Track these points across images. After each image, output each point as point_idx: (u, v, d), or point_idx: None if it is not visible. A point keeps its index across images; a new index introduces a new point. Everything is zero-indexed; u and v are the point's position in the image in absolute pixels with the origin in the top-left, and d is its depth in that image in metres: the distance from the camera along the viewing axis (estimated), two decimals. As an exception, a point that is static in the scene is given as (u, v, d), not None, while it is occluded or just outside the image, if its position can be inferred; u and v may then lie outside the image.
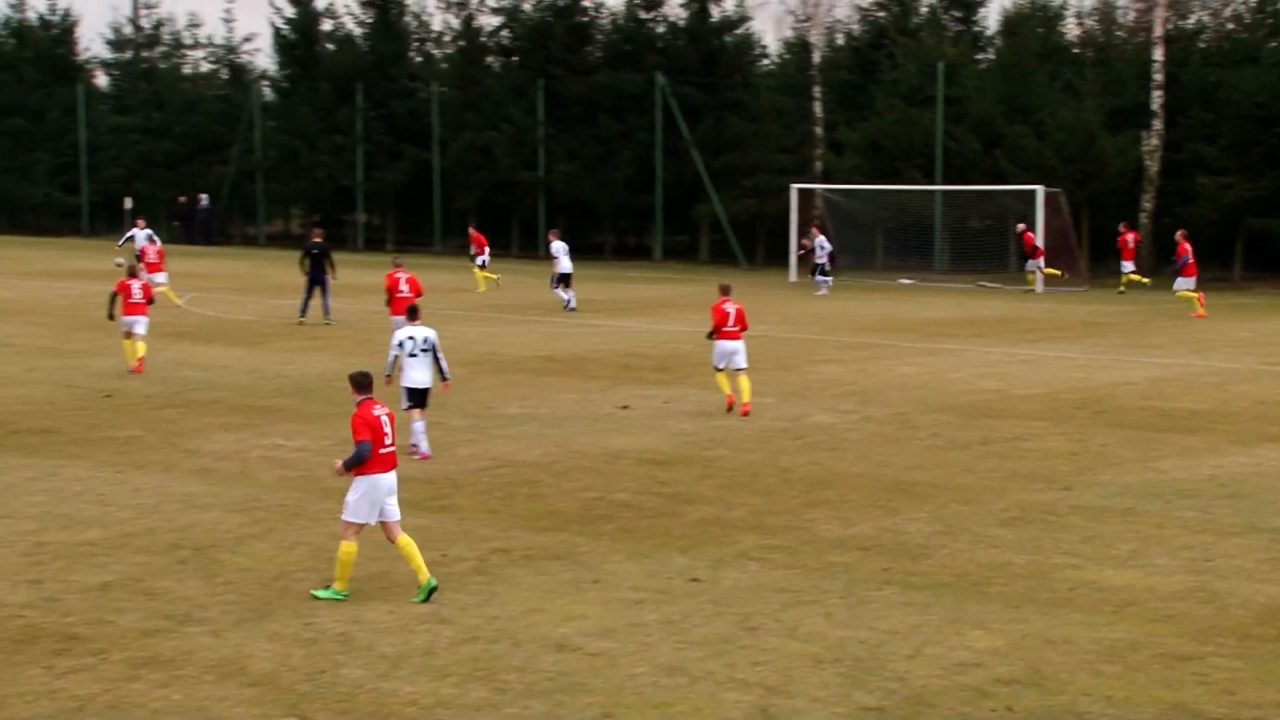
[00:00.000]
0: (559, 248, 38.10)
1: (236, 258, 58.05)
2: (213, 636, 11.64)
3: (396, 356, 18.87)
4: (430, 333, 19.06)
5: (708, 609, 12.62)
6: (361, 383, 13.08)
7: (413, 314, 19.44)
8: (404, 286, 27.68)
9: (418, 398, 18.95)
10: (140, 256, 36.78)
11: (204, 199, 67.55)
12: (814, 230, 45.28)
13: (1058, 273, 44.78)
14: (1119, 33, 54.89)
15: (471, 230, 45.93)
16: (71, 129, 70.66)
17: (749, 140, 55.46)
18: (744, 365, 22.50)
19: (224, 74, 72.67)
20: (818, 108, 55.91)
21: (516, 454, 19.27)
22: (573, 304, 37.57)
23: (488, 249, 44.55)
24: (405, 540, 12.85)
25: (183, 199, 67.51)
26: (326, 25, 66.90)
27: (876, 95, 53.18)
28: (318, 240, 34.30)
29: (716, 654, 11.45)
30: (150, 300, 26.66)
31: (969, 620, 12.28)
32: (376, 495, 12.73)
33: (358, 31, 66.14)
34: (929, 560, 14.16)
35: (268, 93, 70.15)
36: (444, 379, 19.07)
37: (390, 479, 12.84)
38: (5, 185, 71.11)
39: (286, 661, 11.11)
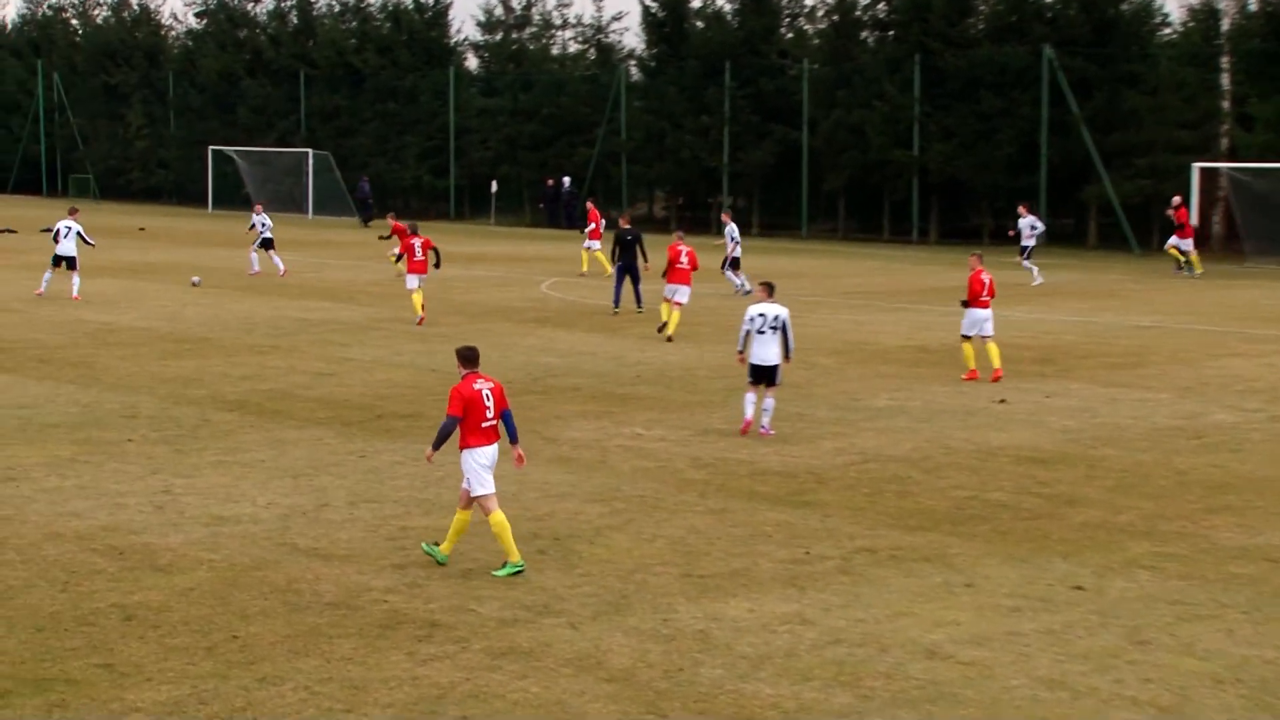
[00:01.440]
0: (733, 230, 38.21)
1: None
2: (571, 629, 11.90)
3: (748, 333, 19.52)
4: (783, 311, 19.67)
5: (1092, 619, 12.21)
6: (467, 357, 13.67)
7: (770, 290, 19.93)
8: (684, 259, 30.11)
9: (762, 375, 19.61)
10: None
11: (566, 181, 69.43)
12: (1021, 210, 43.01)
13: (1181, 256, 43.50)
14: None
15: (590, 207, 45.47)
16: (441, 112, 73.67)
17: (1145, 116, 53.54)
18: (991, 332, 24.62)
19: (591, 54, 74.50)
20: (1225, 79, 53.43)
21: (885, 448, 19.09)
22: (747, 287, 36.86)
23: (601, 225, 44.27)
24: (499, 519, 13.24)
25: (550, 182, 69.55)
26: (696, 2, 67.83)
27: (1292, 64, 50.51)
28: (627, 227, 33.98)
29: (1102, 669, 11.05)
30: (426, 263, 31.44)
31: (1393, 646, 11.49)
32: (482, 465, 13.27)
33: (727, 8, 66.86)
34: (1346, 577, 13.33)
35: (634, 72, 71.58)
36: (787, 358, 19.69)
37: (490, 452, 13.32)
38: (377, 169, 74.62)
39: (644, 658, 11.27)
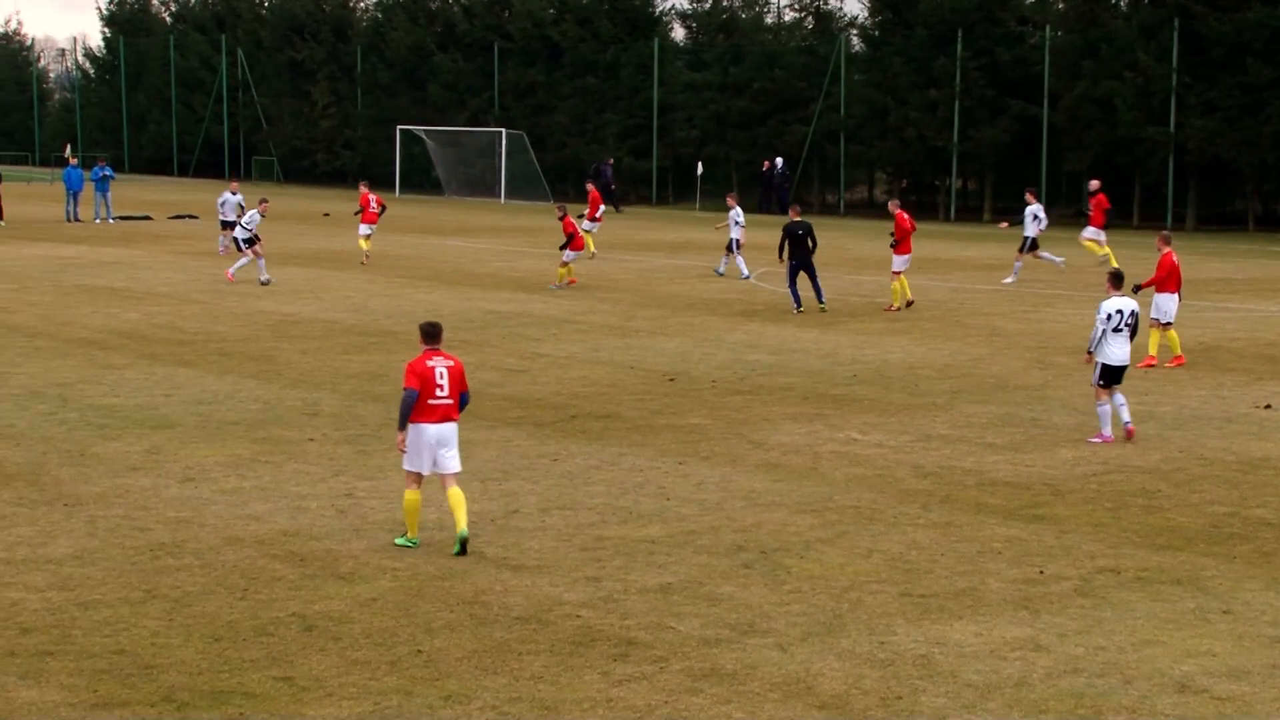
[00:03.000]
0: (737, 213, 39.05)
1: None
2: (778, 650, 11.92)
3: (1104, 331, 19.41)
4: (1135, 305, 19.71)
5: (1366, 656, 11.84)
6: (429, 332, 14.69)
7: (1118, 281, 19.91)
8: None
9: (1114, 375, 19.52)
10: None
11: (779, 162, 69.31)
12: (1029, 197, 39.84)
13: None
14: None
15: (591, 188, 46.19)
16: (645, 87, 74.18)
17: None
18: (1172, 319, 25.68)
19: (809, 23, 74.31)
20: None
21: (1131, 458, 18.74)
22: (722, 270, 38.16)
23: (601, 208, 45.71)
24: (455, 493, 14.37)
25: (766, 164, 69.47)
26: (924, -36, 67.26)
27: None
28: (797, 219, 32.71)
29: (1376, 711, 10.72)
30: None
31: None
32: (423, 444, 14.29)
33: (960, -30, 66.14)
34: None
35: (856, 43, 71.25)
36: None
37: (439, 430, 14.32)
38: (574, 150, 75.38)
39: (859, 684, 11.24)
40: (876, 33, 69.03)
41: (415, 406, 14.25)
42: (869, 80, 67.61)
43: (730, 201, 39.91)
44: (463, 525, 14.31)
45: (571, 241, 36.98)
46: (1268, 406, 22.01)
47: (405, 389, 14.29)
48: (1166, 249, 25.73)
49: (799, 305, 32.31)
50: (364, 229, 42.21)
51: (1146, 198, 61.49)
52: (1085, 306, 33.79)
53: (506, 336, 28.59)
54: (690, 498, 16.69)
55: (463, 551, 14.26)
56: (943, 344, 27.94)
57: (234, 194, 45.60)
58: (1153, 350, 25.39)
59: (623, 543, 14.86)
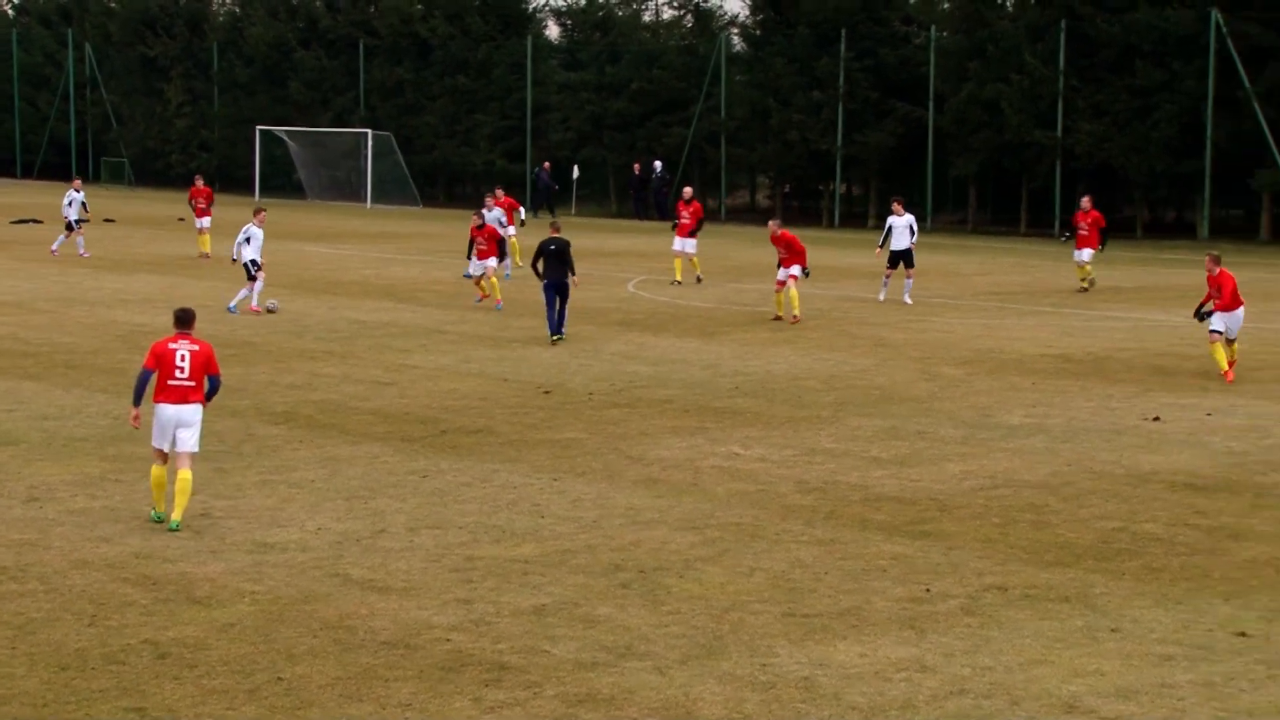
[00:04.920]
0: (493, 215, 38.00)
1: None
2: (657, 674, 11.96)
3: None
4: None
5: (1258, 671, 12.10)
6: (180, 318, 16.45)
7: None
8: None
9: None
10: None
11: (658, 166, 69.52)
12: (896, 207, 37.54)
13: None
14: None
15: (500, 193, 43.82)
16: (518, 87, 74.07)
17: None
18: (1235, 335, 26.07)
19: (688, 21, 74.63)
20: None
21: (1019, 472, 19.00)
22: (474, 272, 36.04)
23: (521, 211, 44.40)
24: (183, 478, 15.67)
25: (638, 167, 69.71)
26: (806, -39, 67.82)
27: None
28: (554, 235, 30.30)
29: (1266, 729, 10.96)
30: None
31: None
32: (161, 423, 15.83)
33: (843, -32, 66.74)
34: None
35: (737, 42, 71.65)
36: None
37: (177, 410, 15.81)
38: (445, 152, 75.13)
39: (740, 707, 11.31)
40: (758, 32, 69.46)
41: (156, 386, 15.80)
42: (751, 81, 67.97)
43: (488, 204, 39.78)
44: (177, 517, 15.66)
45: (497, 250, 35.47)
46: (1156, 418, 22.40)
47: (143, 367, 16.06)
48: (1219, 268, 26.28)
49: (553, 333, 29.51)
50: (203, 222, 46.10)
51: (1034, 203, 62.36)
52: (972, 315, 34.23)
53: (373, 347, 28.45)
54: (566, 515, 16.71)
55: (159, 520, 15.89)
56: (827, 354, 28.19)
57: (77, 191, 45.57)
58: (1225, 365, 25.83)
59: (495, 563, 14.84)
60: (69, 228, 45.24)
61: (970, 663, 12.26)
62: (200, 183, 48.75)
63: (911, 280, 36.70)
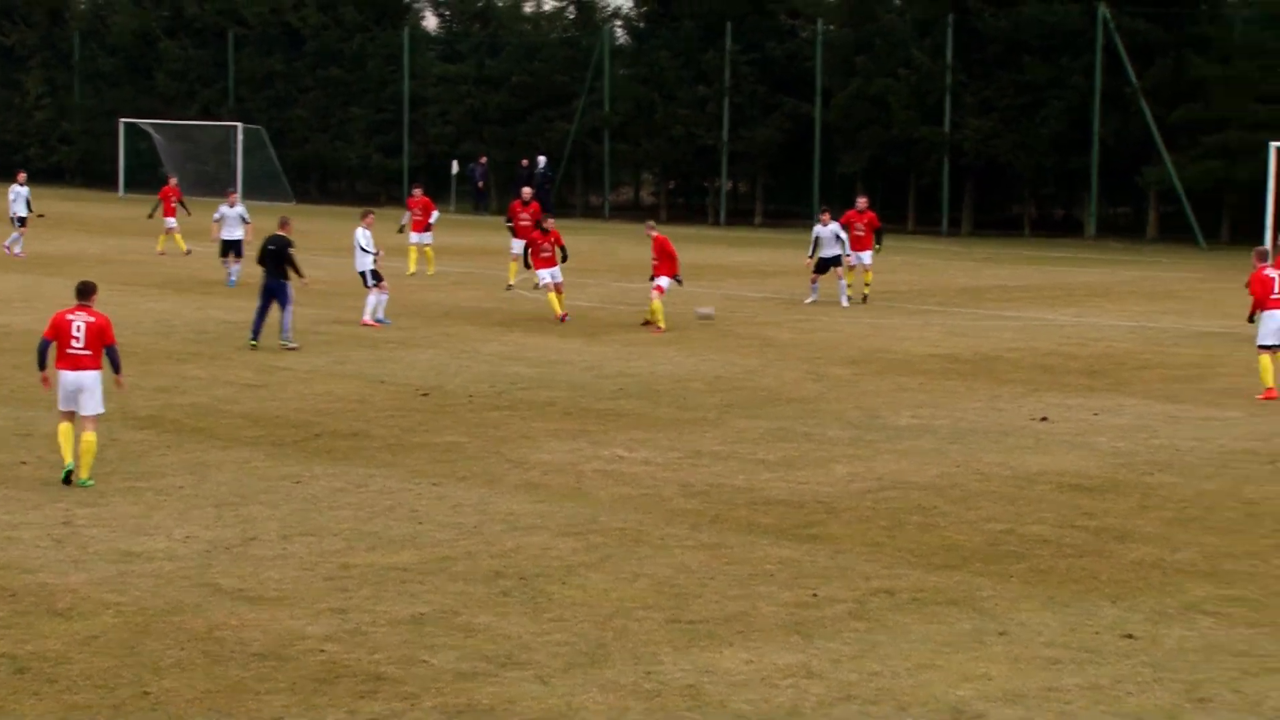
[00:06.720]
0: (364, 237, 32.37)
1: (577, 231, 59.52)
2: (539, 683, 11.96)
3: None
4: None
5: (1144, 673, 12.29)
6: (80, 290, 18.00)
7: None
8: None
9: None
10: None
11: (542, 161, 69.41)
12: (824, 216, 37.00)
13: None
14: None
15: (418, 192, 43.41)
16: (394, 79, 73.72)
17: (1216, 87, 53.69)
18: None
19: (570, 13, 74.54)
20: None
21: (907, 474, 19.17)
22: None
23: (435, 214, 42.80)
24: (86, 440, 17.56)
25: (525, 162, 69.52)
26: (691, -48, 67.99)
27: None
28: (279, 234, 29.14)
29: (1154, 732, 11.14)
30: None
31: None
32: (65, 389, 17.62)
33: (728, -41, 67.00)
34: None
35: (621, 35, 71.69)
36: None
37: (76, 377, 17.55)
38: (317, 146, 74.62)
39: (624, 716, 11.33)
40: (642, 24, 69.60)
41: (56, 354, 17.62)
42: (635, 75, 68.07)
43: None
44: (84, 475, 17.59)
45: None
46: (1044, 419, 22.67)
47: (42, 337, 18.00)
48: (1261, 265, 25.03)
49: (254, 337, 28.37)
50: (170, 222, 46.37)
51: (922, 201, 62.96)
52: (859, 315, 34.50)
53: (243, 348, 28.19)
54: (445, 521, 16.66)
55: (67, 481, 17.50)
56: (713, 355, 28.30)
57: (21, 185, 44.98)
58: (1270, 381, 24.39)
59: (371, 571, 14.77)
60: (19, 223, 44.94)
61: (857, 668, 12.36)
62: (174, 182, 49.51)
63: (845, 281, 36.78)
